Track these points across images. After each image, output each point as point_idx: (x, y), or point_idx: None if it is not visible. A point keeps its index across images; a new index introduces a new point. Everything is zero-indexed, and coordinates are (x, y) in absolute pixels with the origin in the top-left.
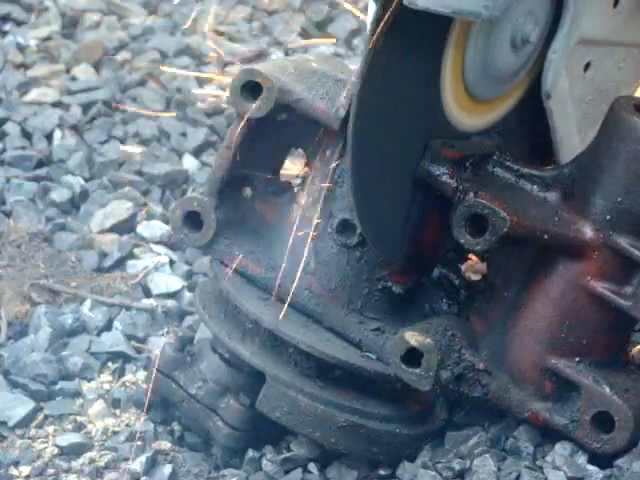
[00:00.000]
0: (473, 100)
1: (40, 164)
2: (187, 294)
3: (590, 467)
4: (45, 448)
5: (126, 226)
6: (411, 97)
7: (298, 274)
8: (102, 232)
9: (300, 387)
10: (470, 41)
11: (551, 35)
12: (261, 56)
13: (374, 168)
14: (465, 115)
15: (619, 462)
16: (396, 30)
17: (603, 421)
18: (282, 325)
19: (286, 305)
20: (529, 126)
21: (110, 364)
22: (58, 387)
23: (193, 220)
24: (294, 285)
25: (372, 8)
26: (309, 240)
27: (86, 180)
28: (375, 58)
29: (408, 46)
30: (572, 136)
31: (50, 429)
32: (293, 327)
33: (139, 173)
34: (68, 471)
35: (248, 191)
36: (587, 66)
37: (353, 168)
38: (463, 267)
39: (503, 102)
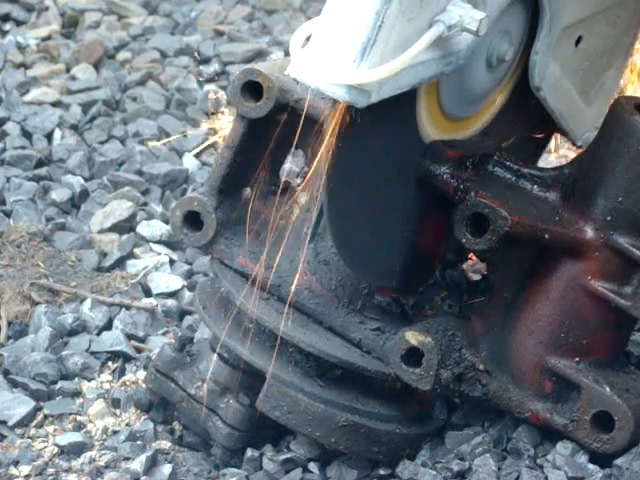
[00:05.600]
0: (451, 120)
1: (40, 164)
2: (187, 293)
3: (590, 466)
4: (45, 447)
5: (126, 226)
6: (388, 127)
7: (298, 274)
8: (102, 232)
9: (300, 386)
10: None
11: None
12: (260, 55)
13: (353, 202)
14: (445, 136)
15: (619, 462)
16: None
17: (603, 421)
18: (282, 325)
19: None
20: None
21: (110, 364)
22: (58, 387)
23: (193, 220)
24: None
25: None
26: (309, 239)
27: (86, 180)
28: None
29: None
30: (574, 105)
31: (50, 428)
32: (293, 327)
33: (139, 173)
34: (68, 470)
35: (248, 191)
36: (579, 40)
37: (330, 209)
38: (465, 267)
39: (485, 113)
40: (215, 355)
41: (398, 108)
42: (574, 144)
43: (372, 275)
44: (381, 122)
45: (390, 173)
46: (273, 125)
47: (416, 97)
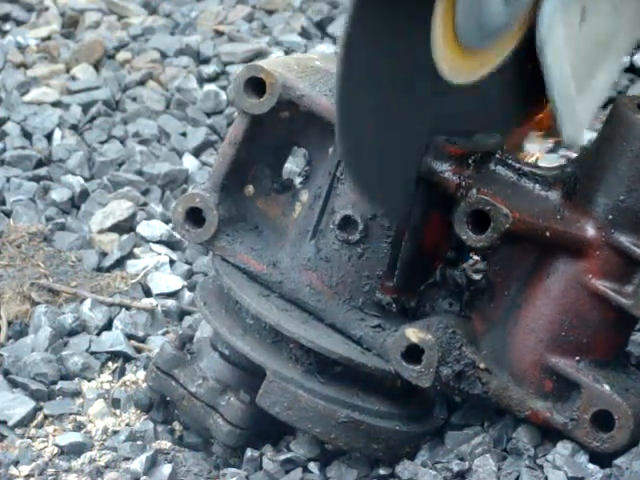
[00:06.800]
0: (462, 52)
1: (40, 164)
2: (187, 294)
3: (590, 466)
4: (45, 448)
5: (126, 226)
6: (402, 53)
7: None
8: (102, 232)
9: (300, 383)
10: None
11: None
12: (260, 56)
13: (365, 130)
14: (454, 70)
15: (619, 462)
16: None
17: (603, 420)
18: (283, 321)
19: None
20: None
21: (110, 364)
22: (58, 387)
23: (195, 216)
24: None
25: None
26: (310, 237)
27: (86, 180)
28: (360, 19)
29: (396, 4)
30: (567, 85)
31: (50, 429)
32: (294, 323)
33: (139, 173)
34: (68, 471)
35: (250, 188)
36: (583, 16)
37: (341, 128)
38: (466, 266)
39: (495, 55)
40: (216, 352)
41: (414, 21)
42: (559, 136)
43: (378, 197)
44: (396, 32)
45: (400, 85)
46: (275, 122)
47: (433, 14)
